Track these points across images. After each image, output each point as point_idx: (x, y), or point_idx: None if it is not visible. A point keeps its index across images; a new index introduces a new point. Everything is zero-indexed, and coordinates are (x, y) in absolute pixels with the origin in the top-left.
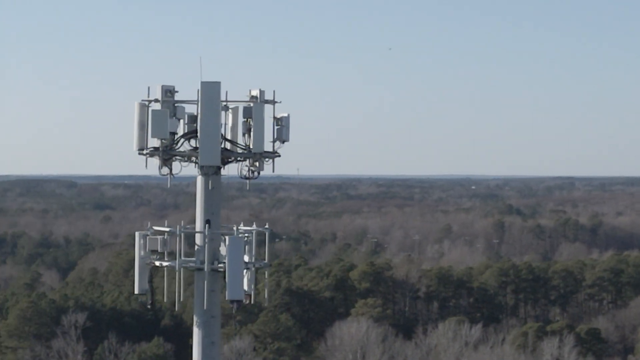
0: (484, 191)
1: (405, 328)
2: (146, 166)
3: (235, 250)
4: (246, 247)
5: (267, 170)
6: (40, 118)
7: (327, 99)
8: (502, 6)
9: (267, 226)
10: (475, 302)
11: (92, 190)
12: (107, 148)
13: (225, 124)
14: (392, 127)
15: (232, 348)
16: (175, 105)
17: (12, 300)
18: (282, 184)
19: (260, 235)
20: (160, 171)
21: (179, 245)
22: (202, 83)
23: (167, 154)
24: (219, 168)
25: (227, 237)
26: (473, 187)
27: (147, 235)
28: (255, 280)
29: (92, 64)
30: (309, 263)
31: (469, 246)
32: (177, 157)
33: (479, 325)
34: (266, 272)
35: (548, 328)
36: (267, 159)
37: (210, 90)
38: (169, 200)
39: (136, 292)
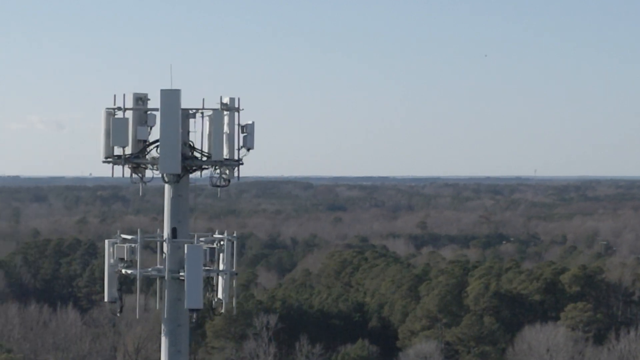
0: None
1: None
2: (112, 174)
3: (194, 259)
4: (221, 254)
5: (235, 177)
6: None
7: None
8: None
9: (234, 234)
10: None
11: (327, 192)
12: (344, 149)
13: (202, 132)
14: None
15: (417, 352)
16: (148, 112)
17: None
18: (519, 185)
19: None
20: (131, 178)
21: (140, 254)
22: (162, 91)
23: (129, 161)
24: (179, 176)
25: (185, 246)
26: None
27: (116, 243)
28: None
29: None
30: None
31: None
32: (143, 165)
33: None
34: (234, 280)
35: None
36: (231, 167)
37: (170, 97)
38: (402, 201)
39: (105, 299)
